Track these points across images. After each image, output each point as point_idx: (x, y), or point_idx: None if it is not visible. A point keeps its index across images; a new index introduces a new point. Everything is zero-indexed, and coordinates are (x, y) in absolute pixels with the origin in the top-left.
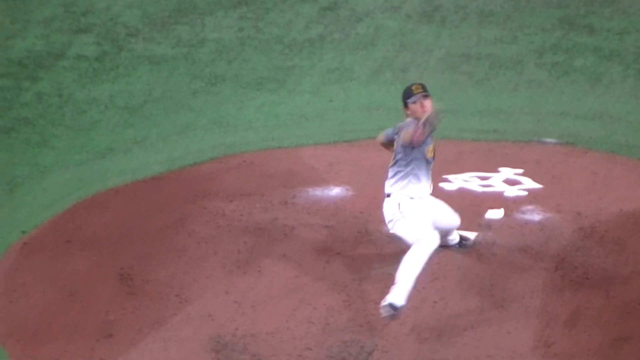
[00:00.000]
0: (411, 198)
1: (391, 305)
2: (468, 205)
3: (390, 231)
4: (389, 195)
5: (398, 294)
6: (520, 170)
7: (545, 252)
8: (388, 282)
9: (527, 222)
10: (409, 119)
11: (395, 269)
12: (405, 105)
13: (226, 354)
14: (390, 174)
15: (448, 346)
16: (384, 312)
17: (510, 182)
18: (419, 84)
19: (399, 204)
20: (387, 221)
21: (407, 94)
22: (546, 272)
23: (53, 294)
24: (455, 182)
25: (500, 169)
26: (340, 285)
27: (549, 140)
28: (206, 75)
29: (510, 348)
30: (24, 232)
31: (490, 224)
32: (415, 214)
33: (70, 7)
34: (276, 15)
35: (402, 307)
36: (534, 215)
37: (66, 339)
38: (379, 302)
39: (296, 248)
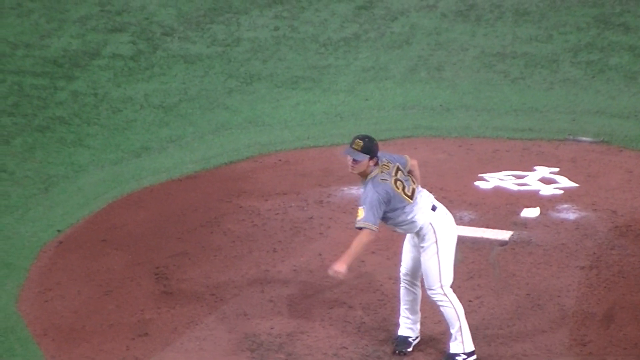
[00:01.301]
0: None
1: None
2: (504, 204)
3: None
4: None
5: (458, 345)
6: (556, 169)
7: (581, 250)
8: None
9: (563, 221)
10: (368, 190)
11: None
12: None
13: (261, 353)
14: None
15: (483, 345)
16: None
17: (546, 181)
18: (361, 140)
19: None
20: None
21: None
22: (581, 270)
23: (88, 293)
24: (491, 180)
25: (535, 167)
26: (376, 284)
27: (584, 138)
28: (241, 74)
29: (545, 347)
30: (59, 231)
31: (525, 223)
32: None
33: (105, 6)
34: (311, 14)
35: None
36: (569, 213)
37: (101, 338)
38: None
39: (332, 247)
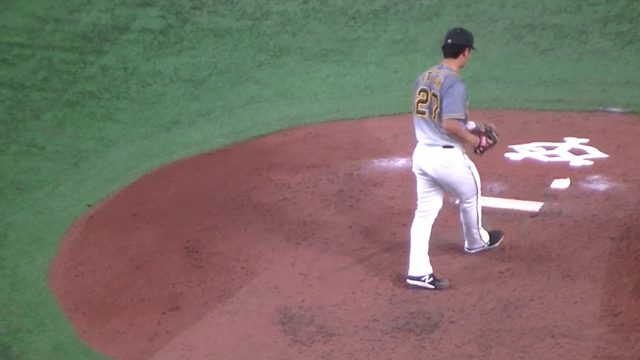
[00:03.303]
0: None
1: (478, 247)
2: (534, 175)
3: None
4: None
5: (479, 242)
6: (586, 140)
7: (611, 221)
8: (454, 253)
9: (593, 192)
10: (455, 81)
11: (462, 241)
12: (465, 49)
13: (293, 326)
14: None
15: (514, 316)
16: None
17: (576, 152)
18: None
19: (463, 156)
20: (445, 169)
21: (471, 36)
22: (612, 241)
23: (119, 268)
24: (521, 152)
25: (565, 138)
26: (407, 257)
27: (614, 109)
28: (271, 48)
29: (576, 318)
30: (89, 205)
31: (556, 194)
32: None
33: None
34: None
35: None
36: (599, 184)
37: (132, 312)
38: (445, 273)
39: (362, 219)
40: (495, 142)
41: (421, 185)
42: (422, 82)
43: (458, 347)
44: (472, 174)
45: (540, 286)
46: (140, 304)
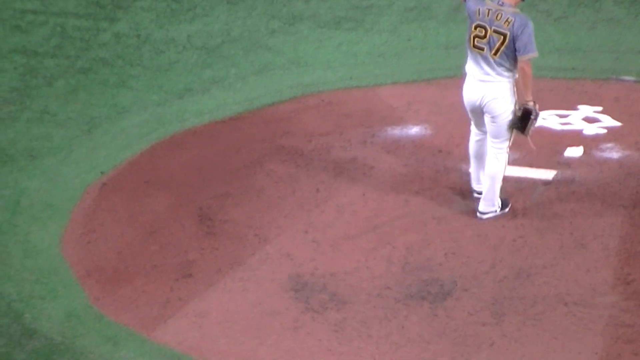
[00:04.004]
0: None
1: (483, 213)
2: (547, 143)
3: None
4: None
5: (489, 207)
6: (599, 108)
7: (624, 189)
8: (467, 220)
9: (606, 160)
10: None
11: (475, 209)
12: None
13: (305, 293)
14: (506, 65)
15: (527, 284)
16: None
17: (589, 120)
18: None
19: (514, 89)
20: (496, 105)
21: None
22: (625, 209)
23: (132, 235)
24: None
25: (579, 106)
26: (420, 224)
27: (628, 77)
28: (284, 15)
29: (589, 286)
30: (102, 172)
31: (569, 162)
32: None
33: None
34: None
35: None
36: (612, 153)
37: (145, 279)
38: (458, 241)
39: (375, 187)
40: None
41: (475, 119)
42: (479, 17)
43: (471, 314)
44: (513, 115)
45: (552, 254)
46: (153, 271)
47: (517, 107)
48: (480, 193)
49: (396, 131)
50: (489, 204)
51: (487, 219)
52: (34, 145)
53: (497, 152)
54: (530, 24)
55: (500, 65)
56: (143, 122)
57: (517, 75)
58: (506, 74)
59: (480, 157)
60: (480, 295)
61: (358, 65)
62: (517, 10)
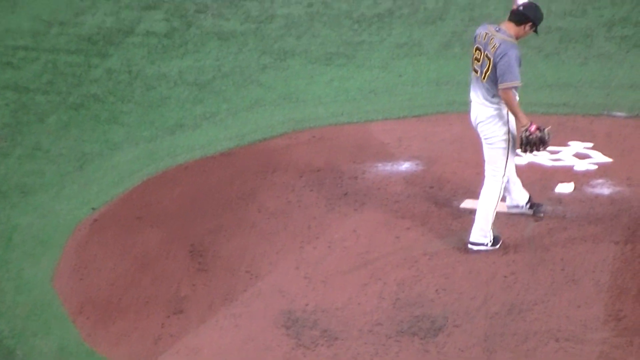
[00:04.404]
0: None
1: (477, 244)
2: (538, 179)
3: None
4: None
5: (479, 236)
6: (590, 144)
7: (616, 225)
8: (459, 256)
9: (597, 196)
10: (510, 46)
11: (466, 244)
12: (528, 23)
13: (297, 330)
14: (493, 90)
15: (518, 320)
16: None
17: (580, 156)
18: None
19: (507, 116)
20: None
21: (541, 19)
22: (616, 245)
23: (123, 271)
24: (525, 156)
25: (570, 142)
26: (411, 260)
27: (619, 113)
28: (275, 51)
29: (580, 322)
30: (94, 208)
31: (560, 198)
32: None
33: None
34: None
35: (495, 237)
36: (604, 188)
37: (136, 316)
38: (449, 277)
39: (366, 223)
40: (545, 143)
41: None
42: (479, 40)
43: (462, 351)
44: (507, 144)
45: (544, 290)
46: (145, 306)
47: (524, 134)
48: (511, 207)
49: (387, 167)
50: (480, 234)
51: (478, 251)
52: (25, 181)
53: (491, 179)
54: (513, 53)
55: (488, 90)
56: (135, 158)
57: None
58: (494, 99)
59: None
60: (471, 331)
61: (349, 101)
62: (510, 38)
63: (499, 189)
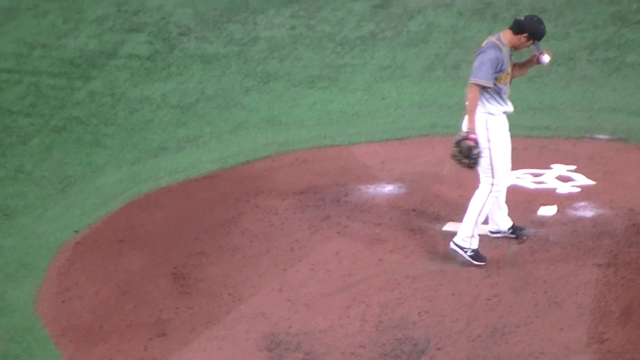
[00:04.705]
0: (492, 114)
1: (459, 247)
2: (521, 202)
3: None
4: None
5: (463, 238)
6: (573, 167)
7: (598, 248)
8: (442, 279)
9: (580, 219)
10: (499, 48)
11: (449, 267)
12: (524, 33)
13: (279, 352)
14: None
15: (501, 343)
16: (454, 254)
17: (563, 179)
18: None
19: (486, 122)
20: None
21: (540, 32)
22: (599, 268)
23: (106, 294)
24: (508, 179)
25: (552, 165)
26: (393, 282)
27: (602, 136)
28: (258, 74)
29: (563, 344)
30: (76, 231)
31: (543, 221)
32: (500, 146)
33: (122, 6)
34: (328, 13)
35: (477, 250)
36: (586, 211)
37: (119, 338)
38: (432, 300)
39: (349, 246)
40: (469, 157)
41: None
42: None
43: None
44: (490, 153)
45: (527, 312)
46: (128, 329)
47: (462, 135)
48: (493, 232)
49: (370, 190)
50: (462, 237)
51: (456, 255)
52: (8, 204)
53: (481, 184)
54: (491, 53)
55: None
56: (118, 181)
57: (490, 108)
58: (480, 106)
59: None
60: (454, 354)
61: (332, 123)
62: (499, 42)
63: (487, 193)
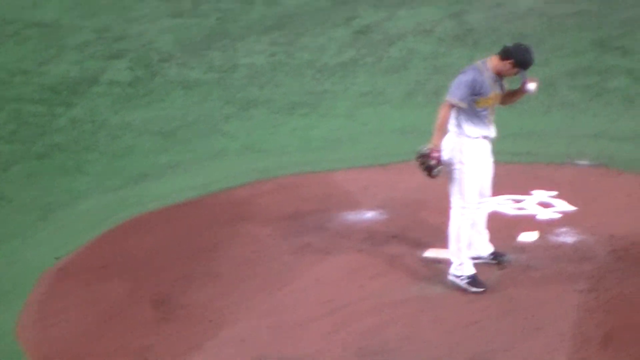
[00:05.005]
0: (469, 137)
1: (455, 276)
2: (502, 228)
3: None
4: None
5: (455, 266)
6: (554, 193)
7: (580, 274)
8: (423, 305)
9: (561, 245)
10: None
11: (431, 293)
12: (510, 60)
13: None
14: (454, 114)
15: None
16: (454, 284)
17: (544, 205)
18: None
19: (462, 144)
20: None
21: (526, 61)
22: (580, 294)
23: (88, 320)
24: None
25: (533, 191)
26: (375, 308)
27: (583, 162)
28: (239, 100)
29: None
30: (57, 257)
31: (524, 247)
32: (473, 170)
33: (103, 33)
34: (308, 40)
35: (472, 276)
36: (567, 237)
37: None
38: (413, 326)
39: (331, 272)
40: (429, 173)
41: None
42: None
43: None
44: (461, 175)
45: (509, 338)
46: (110, 357)
47: (424, 150)
48: (474, 258)
49: (351, 216)
50: (454, 266)
51: (452, 283)
52: None
53: (452, 209)
54: (470, 74)
55: (452, 115)
56: (100, 207)
57: (467, 130)
58: (455, 127)
59: (472, 224)
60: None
61: (313, 150)
62: (482, 65)
63: (459, 218)
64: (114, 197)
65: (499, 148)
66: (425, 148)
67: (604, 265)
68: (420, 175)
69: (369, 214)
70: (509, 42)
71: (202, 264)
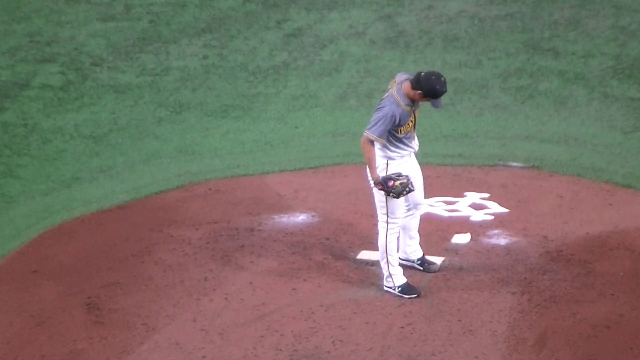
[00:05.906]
0: (391, 159)
1: (387, 287)
2: (434, 230)
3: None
4: None
5: (386, 278)
6: (486, 195)
7: (512, 276)
8: (355, 308)
9: (494, 247)
10: (393, 105)
11: (363, 296)
12: (420, 91)
13: None
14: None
15: None
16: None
17: (476, 207)
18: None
19: (386, 165)
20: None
21: (435, 92)
22: (513, 296)
23: (20, 325)
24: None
25: (466, 193)
26: (307, 312)
27: (515, 164)
28: (171, 103)
29: None
30: None
31: (456, 249)
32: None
33: (34, 37)
34: (240, 43)
35: (403, 285)
36: (500, 239)
37: None
38: (346, 329)
39: (263, 275)
40: (404, 189)
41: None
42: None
43: None
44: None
45: (441, 341)
46: None
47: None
48: (402, 259)
49: (284, 219)
50: (385, 279)
51: (386, 292)
52: None
53: (379, 221)
54: (390, 110)
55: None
56: (31, 212)
57: (391, 154)
58: (379, 150)
59: (403, 228)
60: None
61: (245, 153)
62: (398, 96)
63: (385, 232)
64: (45, 202)
65: (431, 150)
66: (373, 185)
67: (537, 267)
68: (352, 178)
69: (301, 217)
70: (439, 46)
71: (133, 268)
